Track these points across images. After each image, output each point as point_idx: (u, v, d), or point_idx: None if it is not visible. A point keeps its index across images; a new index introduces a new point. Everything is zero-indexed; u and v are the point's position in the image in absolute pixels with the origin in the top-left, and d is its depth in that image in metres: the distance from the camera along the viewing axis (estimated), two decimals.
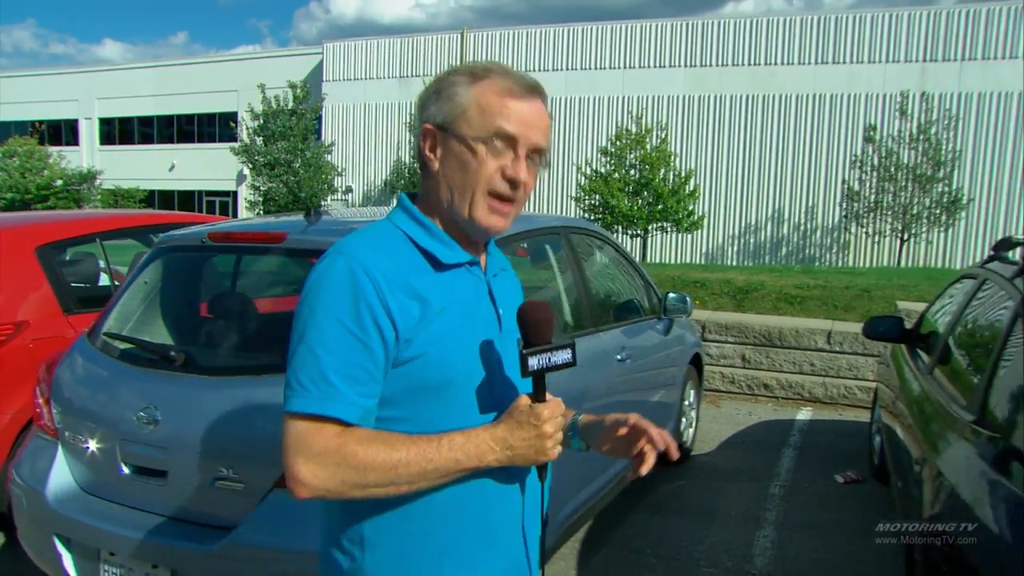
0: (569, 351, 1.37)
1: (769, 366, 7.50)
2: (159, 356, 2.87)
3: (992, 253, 3.69)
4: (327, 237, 2.95)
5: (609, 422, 1.54)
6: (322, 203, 27.28)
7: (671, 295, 4.94)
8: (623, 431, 1.50)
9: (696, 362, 5.68)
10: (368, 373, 1.28)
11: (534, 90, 1.40)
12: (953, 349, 3.52)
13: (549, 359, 1.35)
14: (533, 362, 1.33)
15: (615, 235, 23.38)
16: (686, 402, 5.47)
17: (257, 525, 2.50)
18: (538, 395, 1.35)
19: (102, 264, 4.88)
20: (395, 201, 1.52)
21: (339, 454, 1.25)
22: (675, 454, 1.50)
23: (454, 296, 1.37)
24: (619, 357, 4.04)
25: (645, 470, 1.47)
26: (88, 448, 2.86)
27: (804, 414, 7.06)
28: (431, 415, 1.34)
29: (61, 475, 2.96)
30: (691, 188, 22.82)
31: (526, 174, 1.37)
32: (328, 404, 1.25)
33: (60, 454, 3.00)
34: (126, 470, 2.76)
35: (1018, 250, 3.71)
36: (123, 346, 3.05)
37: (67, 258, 4.55)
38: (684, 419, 5.49)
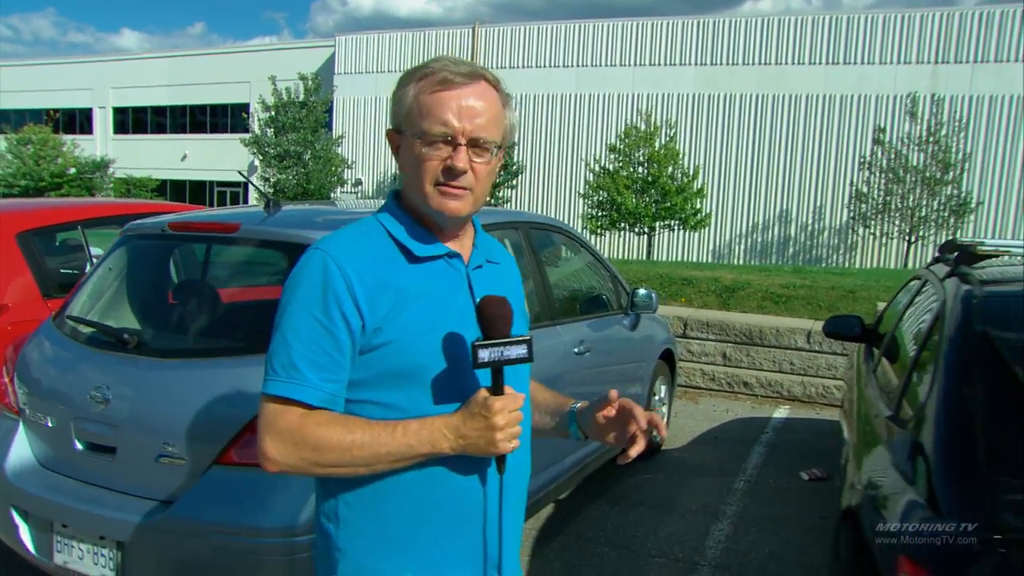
0: (524, 346, 1.41)
1: (749, 364, 7.58)
2: (114, 339, 3.00)
3: (938, 255, 3.77)
4: (279, 228, 3.08)
5: (597, 406, 1.59)
6: (331, 195, 27.47)
7: (639, 291, 5.03)
8: (609, 410, 1.57)
9: (668, 358, 5.77)
10: (333, 360, 1.37)
11: (471, 76, 1.44)
12: (891, 347, 3.61)
13: (502, 353, 1.38)
14: (484, 354, 1.37)
15: (622, 232, 23.47)
16: (656, 397, 5.57)
17: (195, 500, 2.63)
18: (495, 388, 1.39)
19: (86, 251, 5.02)
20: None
21: (299, 433, 1.36)
22: (664, 432, 1.55)
23: (426, 288, 1.44)
24: (577, 350, 4.15)
25: (634, 453, 1.55)
26: (46, 425, 3.01)
27: (781, 412, 7.14)
28: (399, 400, 1.41)
29: (21, 451, 3.11)
30: (698, 186, 22.84)
31: (465, 162, 1.42)
32: (293, 388, 1.36)
33: (21, 431, 3.14)
34: (79, 446, 2.90)
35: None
36: (84, 329, 3.19)
37: (48, 244, 4.69)
38: (654, 413, 5.59)
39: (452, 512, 1.46)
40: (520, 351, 1.41)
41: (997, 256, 3.13)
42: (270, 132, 26.66)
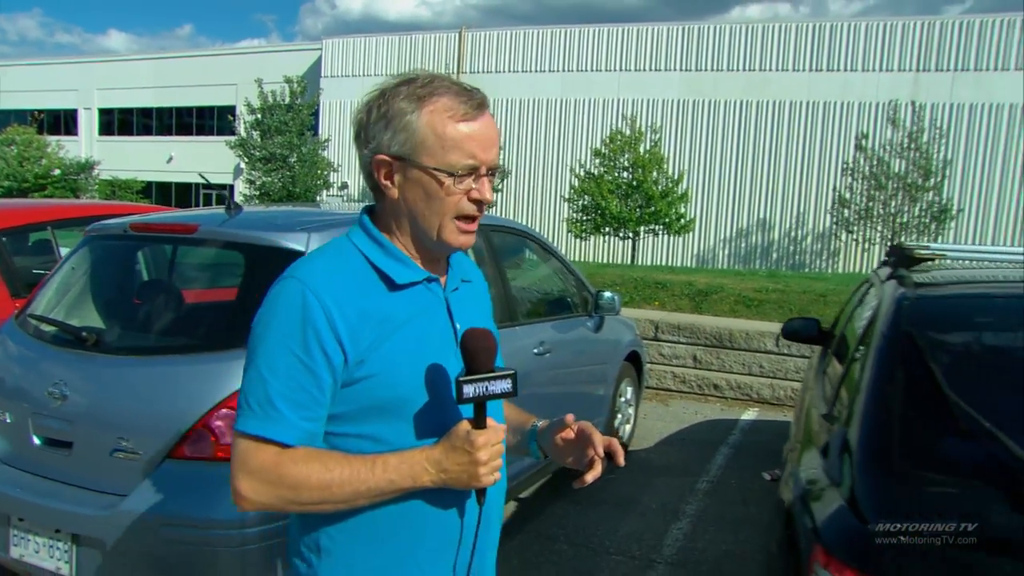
0: (509, 381, 1.37)
1: (720, 367, 7.69)
2: (73, 336, 3.07)
3: (885, 258, 3.87)
4: (238, 229, 3.15)
5: (556, 427, 1.58)
6: (317, 198, 27.49)
7: (604, 293, 5.12)
8: (568, 433, 1.55)
9: (635, 360, 5.86)
10: (312, 397, 1.33)
11: (483, 105, 1.41)
12: (837, 348, 3.70)
13: (486, 388, 1.35)
14: (468, 390, 1.34)
15: (606, 237, 23.57)
16: (622, 398, 5.66)
17: (148, 493, 2.70)
18: (477, 421, 1.36)
19: (56, 251, 5.08)
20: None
21: (275, 472, 1.32)
22: (621, 461, 1.52)
23: (408, 315, 1.41)
24: (537, 351, 4.23)
25: (590, 478, 1.52)
26: (5, 421, 3.07)
27: (749, 414, 7.24)
28: (381, 432, 1.38)
29: None
30: (682, 191, 22.97)
31: (491, 193, 1.42)
32: (269, 426, 1.31)
33: None
34: (37, 441, 2.97)
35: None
36: (44, 327, 3.26)
37: (18, 245, 4.74)
38: (620, 415, 5.68)
39: (433, 540, 1.45)
40: (504, 386, 1.38)
41: (932, 260, 3.22)
42: (256, 135, 26.67)
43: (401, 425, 1.39)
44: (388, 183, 1.42)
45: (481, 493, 1.42)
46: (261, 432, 1.32)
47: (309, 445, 1.35)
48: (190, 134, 35.06)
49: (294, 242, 2.96)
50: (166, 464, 2.72)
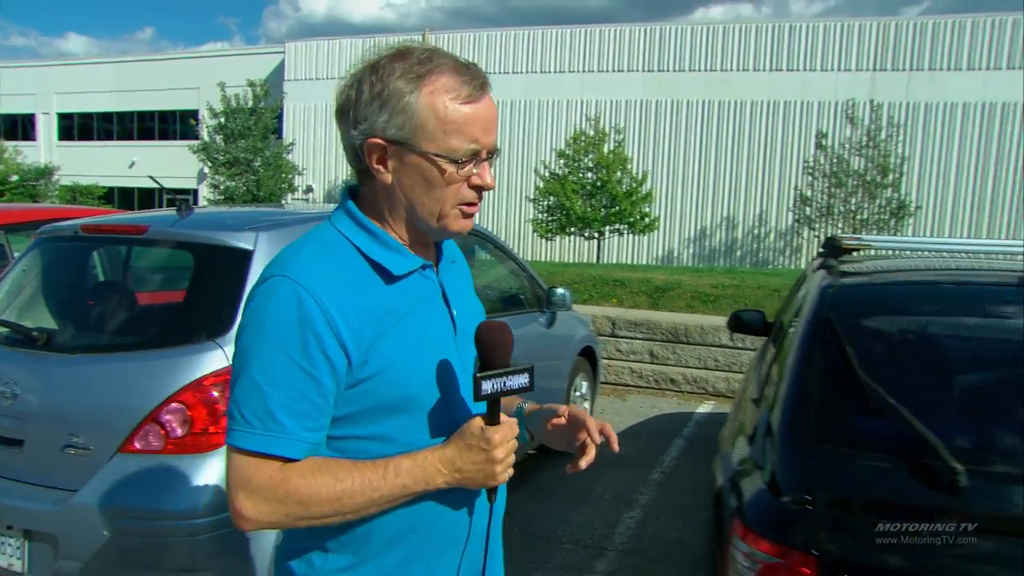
0: (526, 375, 1.32)
1: (676, 361, 7.84)
2: (24, 336, 3.12)
3: (821, 249, 4.02)
4: (188, 229, 3.22)
5: (547, 413, 1.53)
6: (282, 201, 27.38)
7: (556, 290, 5.24)
8: (559, 421, 1.50)
9: (590, 355, 5.98)
10: (316, 407, 1.24)
11: (485, 84, 1.32)
12: (774, 337, 3.85)
13: (504, 383, 1.30)
14: (487, 386, 1.28)
15: (571, 237, 23.75)
16: (577, 392, 5.78)
17: (98, 487, 2.76)
18: (491, 418, 1.31)
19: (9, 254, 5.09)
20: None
21: (282, 489, 1.23)
22: (615, 446, 1.47)
23: (407, 307, 1.33)
24: None
25: (584, 464, 1.46)
26: None
27: (704, 407, 7.40)
28: (388, 431, 1.32)
29: None
30: (646, 191, 23.20)
31: (491, 178, 1.35)
32: (272, 442, 1.22)
33: None
34: None
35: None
36: None
37: None
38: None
39: (441, 540, 1.40)
40: (522, 381, 1.32)
41: (859, 250, 3.37)
42: (219, 139, 26.50)
43: (409, 423, 1.33)
44: (381, 168, 1.32)
45: (492, 491, 1.37)
46: (264, 448, 1.22)
47: (314, 455, 1.27)
48: (152, 139, 34.73)
49: (242, 241, 3.04)
50: (117, 459, 2.79)
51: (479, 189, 1.34)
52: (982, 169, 24.09)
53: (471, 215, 1.36)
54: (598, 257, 23.69)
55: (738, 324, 4.86)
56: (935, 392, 2.47)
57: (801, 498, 2.11)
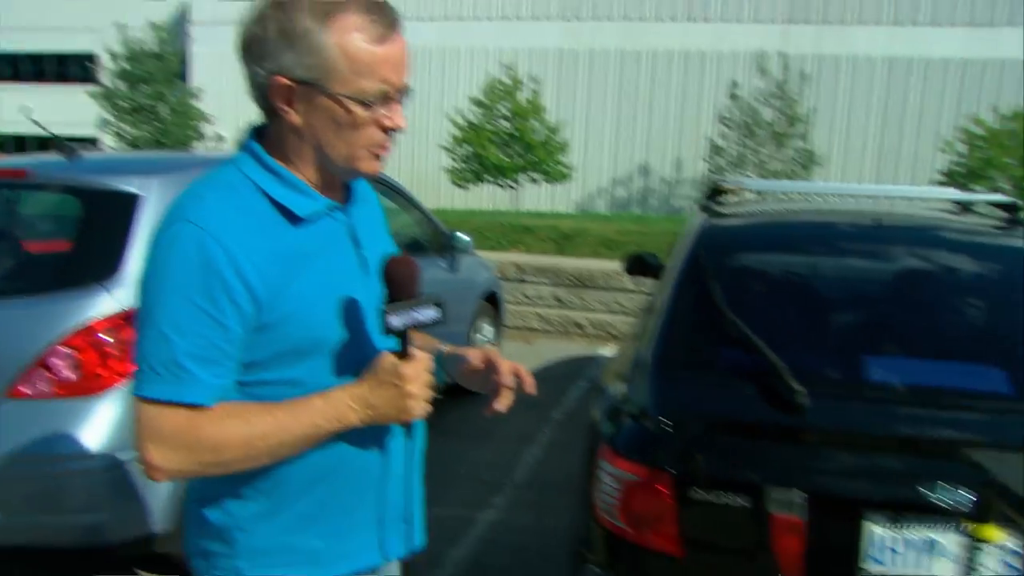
0: (436, 308, 1.32)
1: (581, 306, 8.06)
2: None
3: (705, 192, 4.19)
4: (70, 173, 3.19)
5: (464, 355, 1.53)
6: (190, 149, 26.54)
7: (456, 235, 5.34)
8: (476, 365, 1.50)
9: (493, 300, 6.12)
10: (223, 352, 1.24)
11: (396, 23, 1.29)
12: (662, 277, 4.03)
13: (413, 317, 1.29)
14: (394, 320, 1.27)
15: (488, 186, 23.76)
16: (479, 335, 5.91)
17: None
18: (403, 352, 1.30)
19: None
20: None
21: (192, 436, 1.22)
22: (531, 389, 1.48)
23: (315, 249, 1.32)
24: None
25: (499, 407, 1.46)
26: None
27: (608, 350, 7.64)
28: (299, 375, 1.31)
29: None
30: (562, 140, 23.30)
31: (403, 119, 1.32)
32: (181, 389, 1.21)
33: None
34: None
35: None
36: None
37: None
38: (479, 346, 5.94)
39: (359, 482, 1.40)
40: (432, 314, 1.32)
41: (735, 192, 3.55)
42: (123, 85, 25.42)
43: (320, 366, 1.32)
44: (287, 108, 1.28)
45: (409, 427, 1.39)
46: (172, 396, 1.21)
47: (224, 401, 1.26)
48: (48, 82, 33.02)
49: (130, 185, 3.02)
50: (5, 404, 2.79)
51: (391, 131, 1.32)
52: (887, 121, 24.99)
53: (382, 156, 1.35)
54: (516, 206, 23.79)
55: (633, 266, 5.00)
56: (789, 323, 2.67)
57: (662, 422, 2.28)
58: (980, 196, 3.53)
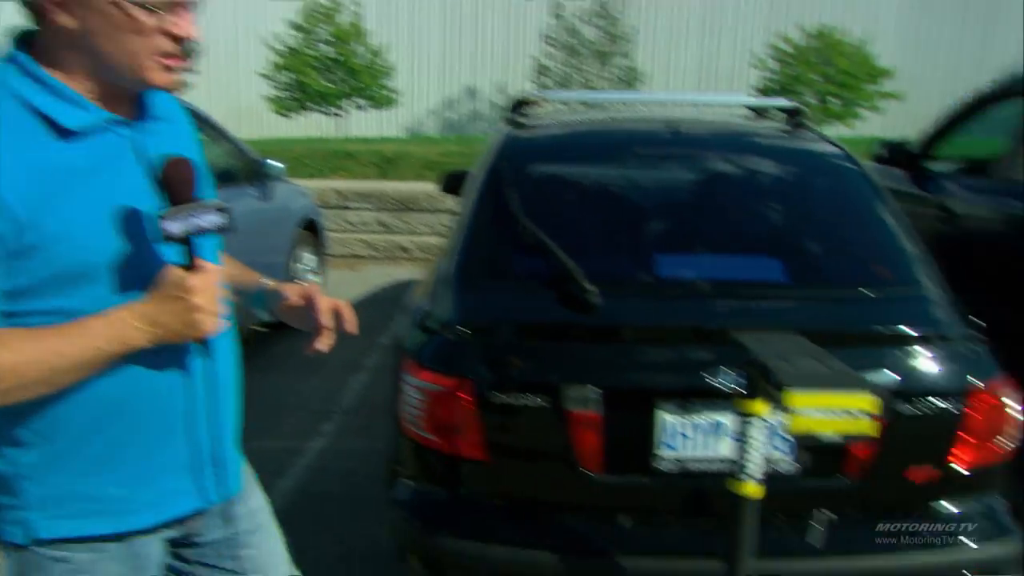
0: (220, 213, 1.24)
1: (407, 230, 7.99)
2: None
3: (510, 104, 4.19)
4: None
5: (284, 292, 1.49)
6: None
7: (267, 162, 5.12)
8: (295, 302, 1.47)
9: (313, 228, 5.94)
10: None
11: None
12: None
13: (192, 222, 1.20)
14: (172, 226, 1.19)
15: (310, 114, 22.93)
16: (299, 264, 5.75)
17: None
18: (189, 264, 1.22)
19: None
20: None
21: None
22: (350, 327, 1.44)
23: (88, 165, 1.20)
24: None
25: (320, 346, 1.44)
26: None
27: None
28: (74, 305, 1.19)
29: None
30: (387, 63, 22.72)
31: (192, 28, 1.23)
32: None
33: None
34: None
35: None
36: None
37: None
38: (300, 282, 5.78)
39: (158, 418, 1.31)
40: (215, 219, 1.24)
41: (539, 104, 3.56)
42: None
43: (99, 294, 1.21)
44: (59, 10, 1.17)
45: (205, 345, 1.30)
46: None
47: None
48: None
49: None
50: None
51: (182, 40, 1.22)
52: (705, 39, 25.86)
53: (175, 69, 1.24)
54: (344, 134, 23.13)
55: (448, 184, 4.97)
56: (586, 229, 2.74)
57: (460, 331, 2.29)
58: (768, 102, 3.71)
